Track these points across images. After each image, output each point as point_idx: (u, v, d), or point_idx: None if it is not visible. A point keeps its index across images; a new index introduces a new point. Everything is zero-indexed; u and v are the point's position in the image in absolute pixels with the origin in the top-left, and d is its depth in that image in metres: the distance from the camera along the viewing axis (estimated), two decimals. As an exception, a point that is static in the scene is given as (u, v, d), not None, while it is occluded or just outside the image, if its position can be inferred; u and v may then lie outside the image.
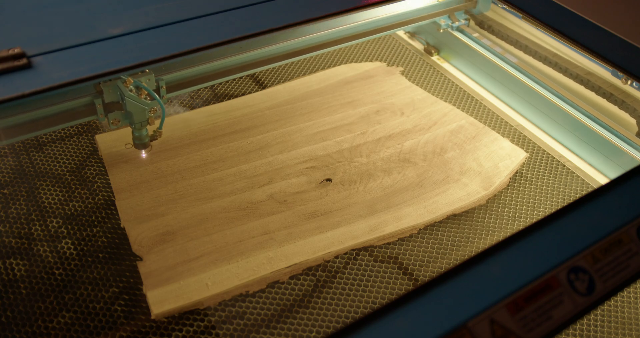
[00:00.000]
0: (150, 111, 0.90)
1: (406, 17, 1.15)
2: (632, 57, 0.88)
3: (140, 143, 0.95)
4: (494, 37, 1.22)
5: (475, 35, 1.24)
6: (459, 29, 1.26)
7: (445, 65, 1.28)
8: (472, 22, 1.26)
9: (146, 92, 0.87)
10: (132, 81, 0.85)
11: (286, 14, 0.89)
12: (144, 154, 0.99)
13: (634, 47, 0.90)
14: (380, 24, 1.12)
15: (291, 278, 0.83)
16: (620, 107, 1.01)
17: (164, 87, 0.91)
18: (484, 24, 1.22)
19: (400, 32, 1.38)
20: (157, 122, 0.94)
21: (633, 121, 1.00)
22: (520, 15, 1.09)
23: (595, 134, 1.02)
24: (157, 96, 0.88)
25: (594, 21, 0.95)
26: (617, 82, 1.03)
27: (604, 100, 1.04)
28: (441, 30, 1.25)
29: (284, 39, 1.02)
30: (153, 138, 0.96)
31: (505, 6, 1.12)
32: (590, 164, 1.05)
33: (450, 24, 1.25)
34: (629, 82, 1.00)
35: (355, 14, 1.10)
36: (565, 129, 1.07)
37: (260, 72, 1.23)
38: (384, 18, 1.12)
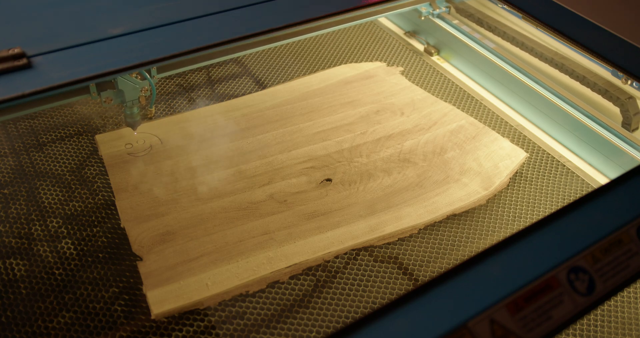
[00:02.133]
0: (141, 91, 0.92)
1: (388, 4, 1.15)
2: (632, 57, 0.88)
3: (131, 120, 0.98)
4: (474, 25, 1.24)
5: (455, 22, 1.26)
6: (439, 16, 1.27)
7: (445, 65, 1.28)
8: (452, 10, 1.27)
9: (137, 72, 0.90)
10: None
11: (286, 14, 0.89)
12: (135, 133, 1.02)
13: (634, 47, 0.90)
14: (361, 11, 1.11)
15: (291, 278, 0.83)
16: (601, 94, 1.02)
17: (155, 67, 0.93)
18: (465, 12, 1.24)
19: (400, 32, 1.38)
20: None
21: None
22: (521, 15, 1.09)
23: (595, 134, 1.02)
24: (147, 76, 0.91)
25: (594, 21, 0.95)
26: (617, 82, 1.03)
27: (604, 100, 1.04)
28: (422, 18, 1.27)
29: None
30: (145, 116, 0.99)
31: (505, 6, 1.12)
32: (590, 164, 1.05)
33: (431, 11, 1.26)
34: (629, 82, 1.00)
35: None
36: (565, 129, 1.07)
37: (260, 72, 1.23)
38: (366, 4, 1.11)
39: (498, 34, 1.18)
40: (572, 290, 0.51)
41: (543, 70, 1.16)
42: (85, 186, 0.95)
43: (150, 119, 1.01)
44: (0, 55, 0.72)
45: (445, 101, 1.16)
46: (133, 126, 0.99)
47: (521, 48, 1.14)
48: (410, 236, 0.90)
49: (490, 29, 1.19)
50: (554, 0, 1.01)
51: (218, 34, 0.82)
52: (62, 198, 0.92)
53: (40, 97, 0.85)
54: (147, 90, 0.93)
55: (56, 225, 0.88)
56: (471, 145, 1.05)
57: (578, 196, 0.98)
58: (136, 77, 0.90)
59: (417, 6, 1.24)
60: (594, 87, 1.03)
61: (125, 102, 0.93)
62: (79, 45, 0.78)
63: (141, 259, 0.83)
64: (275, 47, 1.30)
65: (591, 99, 1.08)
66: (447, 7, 1.27)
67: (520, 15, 1.10)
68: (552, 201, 0.98)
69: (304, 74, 1.23)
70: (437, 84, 1.22)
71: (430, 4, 1.26)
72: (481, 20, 1.21)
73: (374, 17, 1.15)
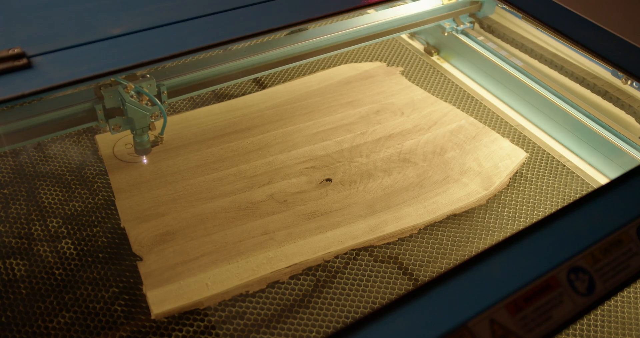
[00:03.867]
0: (151, 117, 0.89)
1: (411, 20, 1.15)
2: (632, 57, 0.88)
3: (141, 148, 0.94)
4: (499, 41, 1.22)
5: (480, 38, 1.24)
6: (463, 32, 1.26)
7: (445, 65, 1.28)
8: (477, 25, 1.26)
9: (147, 98, 0.87)
10: (133, 87, 0.84)
11: (287, 13, 0.89)
12: (145, 160, 0.99)
13: (634, 47, 0.90)
14: (385, 28, 1.12)
15: (291, 278, 0.83)
16: (615, 104, 1.01)
17: (165, 92, 0.91)
18: (489, 27, 1.22)
19: (400, 32, 1.38)
20: (159, 128, 0.94)
21: (633, 121, 1.00)
22: (520, 15, 1.09)
23: (595, 134, 1.02)
24: (158, 102, 0.88)
25: (594, 21, 0.95)
26: (617, 82, 1.03)
27: (604, 100, 1.04)
28: (446, 34, 1.25)
29: (286, 43, 1.02)
30: (155, 143, 0.96)
31: (505, 6, 1.12)
32: (590, 164, 1.05)
33: (455, 27, 1.24)
34: (629, 82, 1.00)
35: (360, 16, 1.11)
36: (565, 129, 1.07)
37: (260, 72, 1.23)
38: (389, 21, 1.12)
39: (525, 51, 1.15)
40: (572, 290, 0.51)
41: (543, 70, 1.16)
42: (85, 186, 0.95)
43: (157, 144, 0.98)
44: (0, 55, 0.72)
45: (445, 101, 1.16)
46: (143, 154, 0.96)
47: (549, 66, 1.11)
48: (410, 236, 0.90)
49: (516, 45, 1.17)
50: (554, 0, 1.01)
51: (218, 34, 0.82)
52: (62, 198, 0.92)
53: (40, 98, 0.85)
54: (157, 115, 0.90)
55: (56, 225, 0.88)
56: (471, 145, 1.05)
57: (578, 196, 0.98)
58: (146, 103, 0.87)
59: (441, 22, 1.23)
60: (605, 95, 1.02)
61: (134, 130, 0.90)
62: (79, 45, 0.78)
63: (141, 259, 0.83)
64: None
65: (591, 99, 1.08)
66: (470, 22, 1.25)
67: (520, 15, 1.10)
68: (552, 201, 0.98)
69: (304, 74, 1.23)
70: (437, 84, 1.22)
71: (453, 20, 1.25)
72: (506, 36, 1.18)
73: (398, 33, 1.16)
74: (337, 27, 1.08)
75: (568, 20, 0.96)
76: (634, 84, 1.00)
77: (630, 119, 1.01)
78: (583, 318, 0.82)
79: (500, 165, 1.01)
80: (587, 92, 1.08)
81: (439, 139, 1.06)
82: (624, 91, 1.02)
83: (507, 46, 1.20)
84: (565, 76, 1.09)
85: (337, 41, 1.08)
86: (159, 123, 0.94)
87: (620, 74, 1.01)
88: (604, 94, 1.03)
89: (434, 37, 1.30)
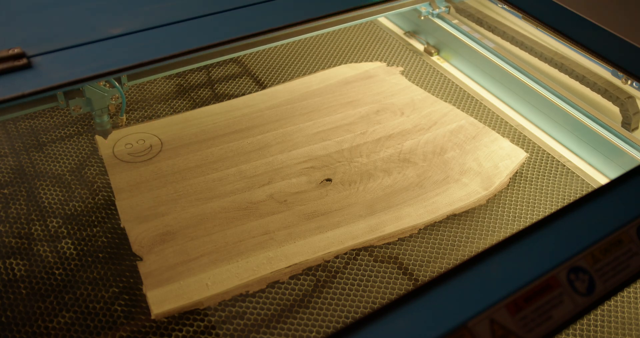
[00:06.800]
0: (112, 98, 0.92)
1: (387, 3, 1.15)
2: (632, 57, 0.88)
3: (101, 129, 0.98)
4: (473, 24, 1.24)
5: (455, 21, 1.26)
6: (439, 16, 1.27)
7: (445, 65, 1.28)
8: (452, 9, 1.27)
9: (105, 80, 0.90)
10: None
11: (286, 14, 0.89)
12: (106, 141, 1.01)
13: (634, 47, 0.90)
14: (361, 11, 1.11)
15: (291, 278, 0.83)
16: (604, 96, 1.02)
17: (125, 75, 0.93)
18: (464, 11, 1.24)
19: (400, 32, 1.38)
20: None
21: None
22: (520, 15, 1.09)
23: (595, 134, 1.02)
24: (116, 84, 0.90)
25: (594, 21, 0.95)
26: (617, 82, 1.03)
27: (604, 100, 1.04)
28: (422, 18, 1.27)
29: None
30: (115, 125, 0.99)
31: (505, 6, 1.12)
32: (590, 164, 1.05)
33: (430, 11, 1.26)
34: (629, 82, 1.00)
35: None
36: (565, 129, 1.07)
37: (260, 72, 1.23)
38: (366, 3, 1.12)
39: (497, 34, 1.18)
40: (572, 290, 0.51)
41: (543, 70, 1.16)
42: (85, 186, 0.95)
43: (121, 126, 1.00)
44: (0, 55, 0.72)
45: (445, 101, 1.16)
46: (104, 135, 0.99)
47: (520, 47, 1.14)
48: (410, 236, 0.90)
49: (489, 28, 1.20)
50: (554, 0, 1.01)
51: (218, 34, 0.82)
52: (62, 198, 0.92)
53: (40, 97, 0.85)
54: (117, 98, 0.92)
55: (56, 225, 0.88)
56: (471, 145, 1.05)
57: (578, 196, 0.98)
58: (104, 85, 0.90)
59: (417, 6, 1.24)
60: (593, 86, 1.03)
61: (94, 111, 0.93)
62: (79, 45, 0.78)
63: (141, 259, 0.83)
64: (275, 47, 1.30)
65: (591, 99, 1.08)
66: (446, 6, 1.27)
67: (520, 15, 1.10)
68: (552, 201, 0.98)
69: (304, 74, 1.23)
70: (437, 84, 1.22)
71: (429, 4, 1.26)
72: (480, 20, 1.21)
73: (373, 16, 1.15)
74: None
75: (568, 20, 0.96)
76: (634, 84, 1.00)
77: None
78: (583, 318, 0.82)
79: (500, 165, 1.01)
80: (587, 92, 1.08)
81: (439, 139, 1.06)
82: (612, 83, 1.02)
83: (482, 30, 1.23)
84: (535, 56, 1.12)
85: (312, 24, 1.07)
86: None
87: (620, 74, 1.01)
88: (593, 86, 1.03)
89: (431, 33, 1.30)
